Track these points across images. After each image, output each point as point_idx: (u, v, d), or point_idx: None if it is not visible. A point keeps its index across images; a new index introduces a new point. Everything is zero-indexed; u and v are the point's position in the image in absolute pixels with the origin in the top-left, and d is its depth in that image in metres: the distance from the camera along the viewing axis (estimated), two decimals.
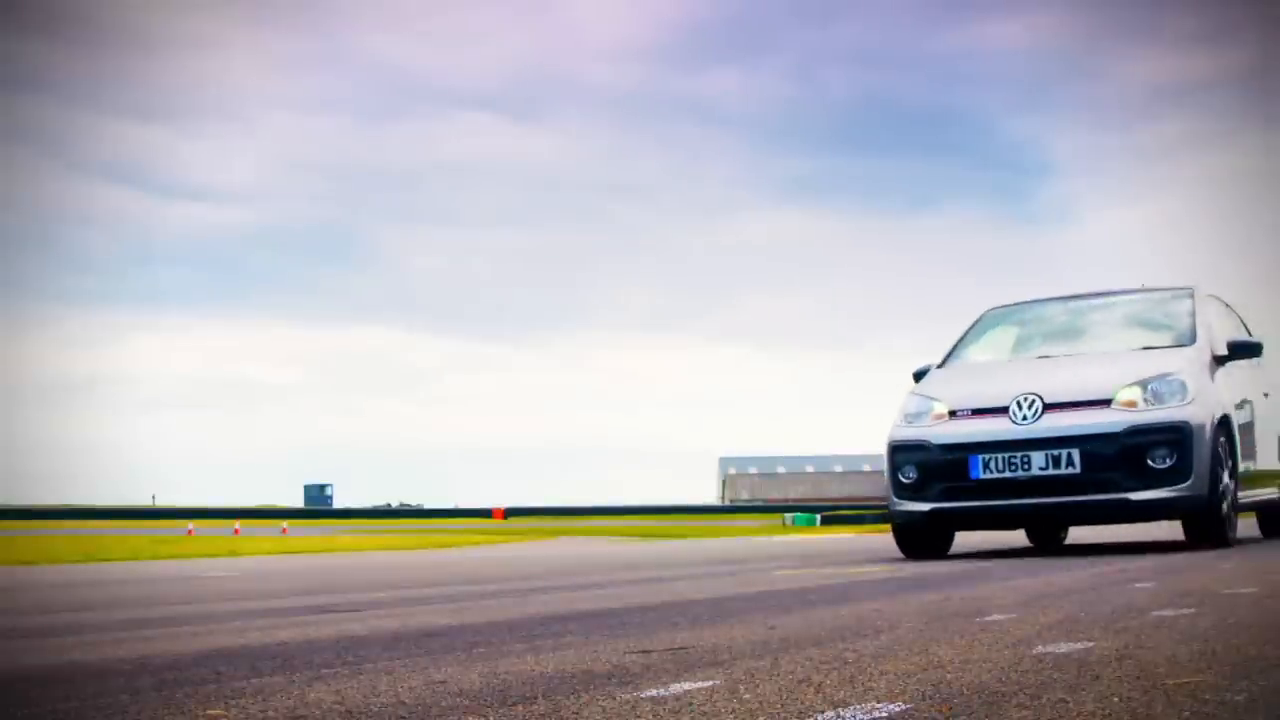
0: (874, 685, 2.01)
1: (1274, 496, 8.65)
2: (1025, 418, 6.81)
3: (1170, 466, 6.56)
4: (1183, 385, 6.78)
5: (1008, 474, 6.75)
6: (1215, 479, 6.71)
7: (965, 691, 1.92)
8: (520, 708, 1.91)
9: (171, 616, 4.26)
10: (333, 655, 2.74)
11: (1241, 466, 7.37)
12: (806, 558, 8.75)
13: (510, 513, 72.31)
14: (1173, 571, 5.02)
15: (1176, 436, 6.59)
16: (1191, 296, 7.95)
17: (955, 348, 8.32)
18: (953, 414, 7.11)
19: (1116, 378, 6.90)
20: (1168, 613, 3.10)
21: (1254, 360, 8.56)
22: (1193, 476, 6.57)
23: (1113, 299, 8.49)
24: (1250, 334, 8.92)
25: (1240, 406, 7.62)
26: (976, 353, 8.20)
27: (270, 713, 1.93)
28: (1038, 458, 6.69)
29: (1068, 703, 1.80)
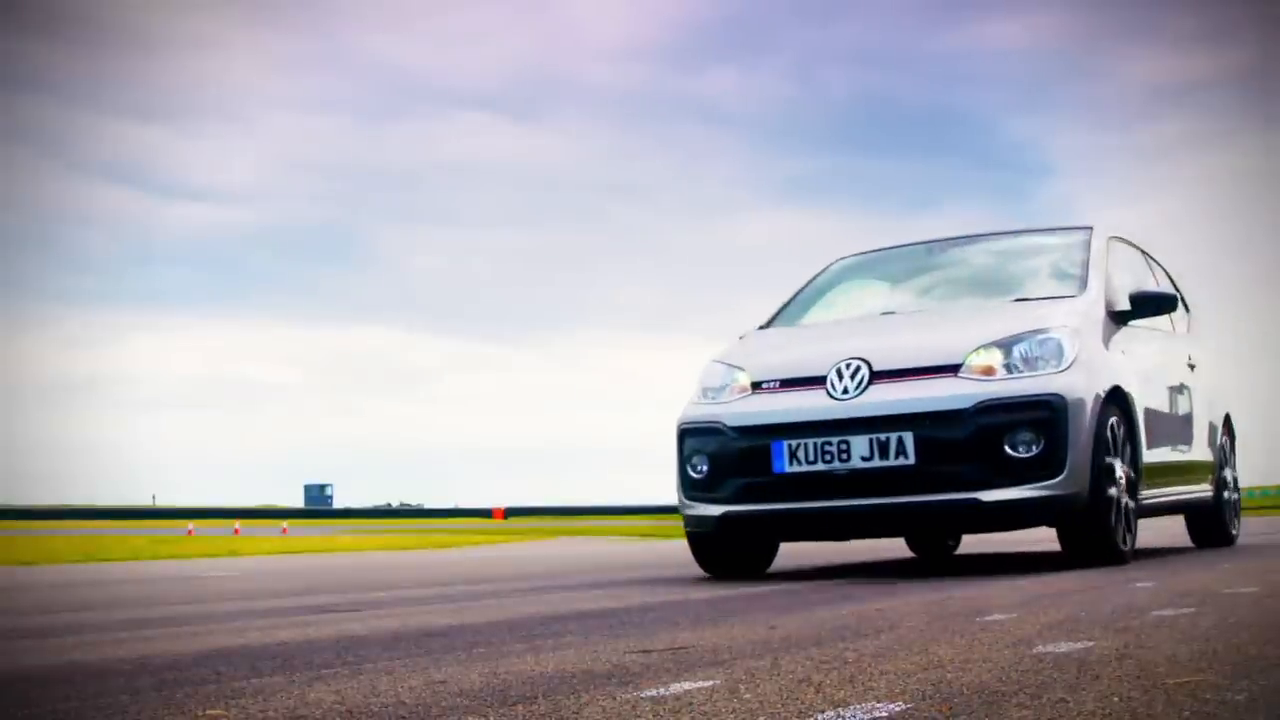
0: (874, 685, 2.01)
1: (1206, 495, 7.01)
2: (846, 390, 5.15)
3: (1036, 455, 4.92)
4: (1059, 347, 5.15)
5: (820, 466, 5.09)
6: (1100, 472, 5.09)
7: (965, 691, 1.92)
8: (520, 708, 1.91)
9: (171, 616, 4.26)
10: (333, 655, 2.74)
11: (1150, 456, 5.80)
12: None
13: (510, 513, 72.36)
14: (1173, 571, 5.02)
15: (1045, 415, 4.94)
16: (1089, 238, 6.24)
17: (786, 305, 6.61)
18: (757, 386, 5.46)
19: (971, 336, 5.23)
20: (1168, 612, 3.10)
21: (1179, 323, 7.16)
22: (1066, 469, 4.93)
23: (990, 242, 6.81)
24: (1179, 291, 7.28)
25: (1150, 378, 6.06)
26: (817, 312, 6.49)
27: (270, 713, 1.93)
28: (859, 444, 5.03)
29: (1068, 702, 1.80)
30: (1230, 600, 3.45)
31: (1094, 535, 5.18)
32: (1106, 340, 5.58)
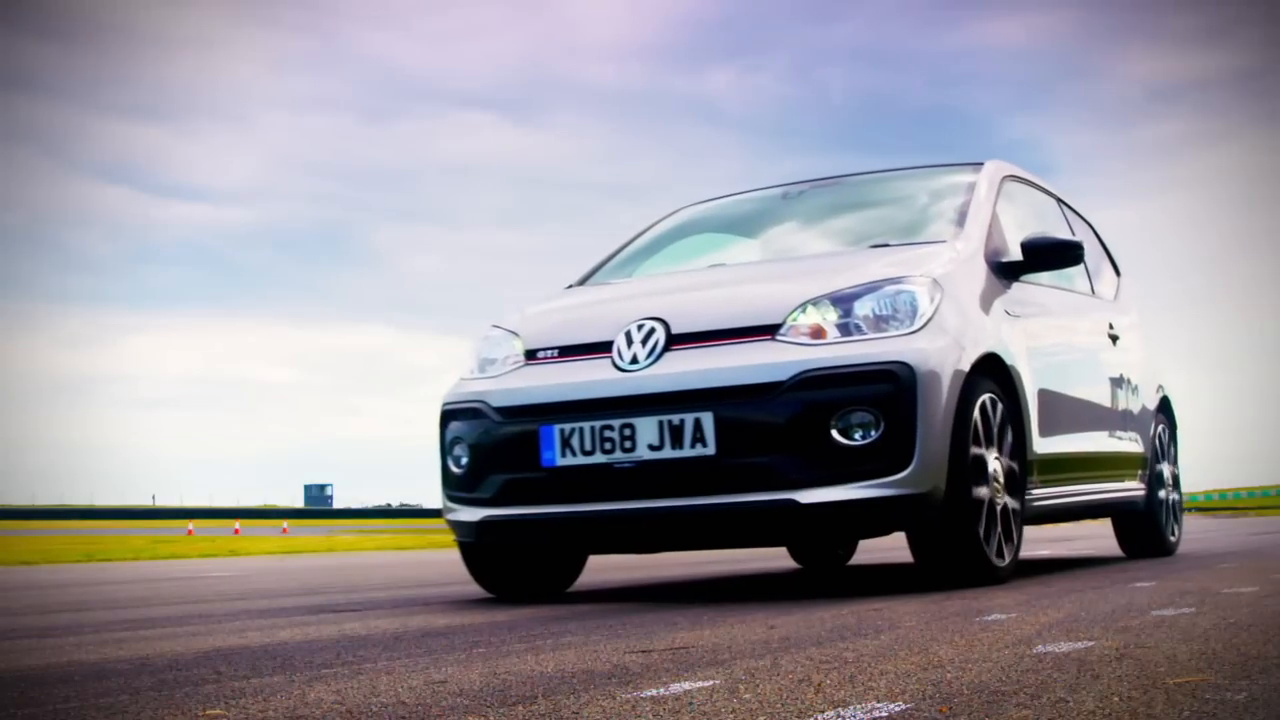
0: (874, 685, 2.01)
1: (1135, 494, 5.90)
2: (635, 360, 4.08)
3: (874, 443, 3.80)
4: (912, 302, 4.03)
5: (599, 457, 4.01)
6: (963, 465, 3.97)
7: (965, 691, 1.92)
8: (520, 708, 1.91)
9: (171, 616, 4.27)
10: (333, 655, 2.74)
11: (1046, 445, 4.69)
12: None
13: None
14: (1173, 571, 5.02)
15: (886, 390, 3.82)
16: (975, 176, 5.07)
17: (609, 260, 5.49)
18: (532, 356, 4.38)
19: (799, 289, 4.12)
20: (1168, 612, 3.10)
21: (1106, 289, 6.14)
22: (915, 461, 3.82)
23: (861, 184, 5.62)
24: (1108, 251, 6.42)
25: (1049, 347, 4.92)
26: (648, 270, 5.36)
27: (270, 713, 1.93)
28: (646, 428, 3.95)
29: (1068, 702, 1.80)
30: (1230, 600, 3.45)
31: (954, 545, 4.06)
32: (987, 297, 4.45)
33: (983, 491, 4.11)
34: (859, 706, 1.81)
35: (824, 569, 6.58)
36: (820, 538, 4.29)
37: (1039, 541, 11.09)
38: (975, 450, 4.07)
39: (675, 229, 5.75)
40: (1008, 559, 4.27)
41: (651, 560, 8.61)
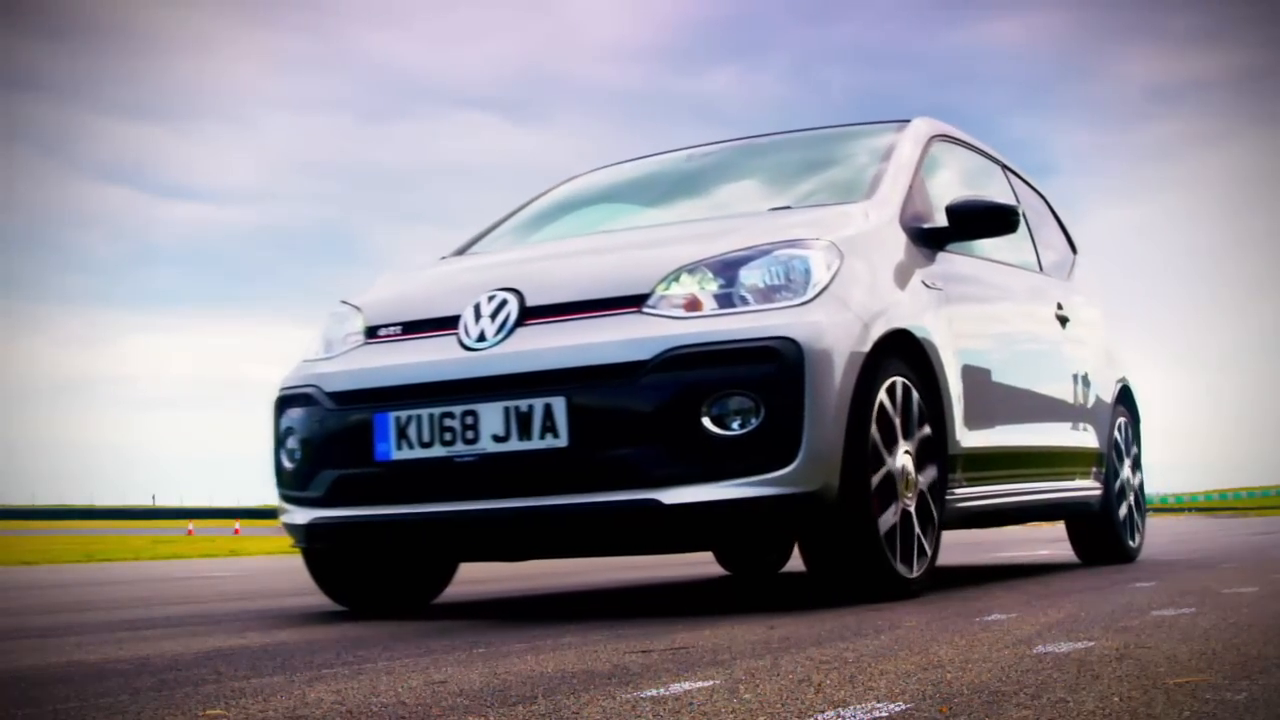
0: (874, 685, 2.01)
1: (1088, 494, 5.33)
2: (483, 337, 3.57)
3: (753, 433, 3.27)
4: (805, 269, 3.51)
5: (438, 450, 3.50)
6: (862, 459, 3.44)
7: (965, 691, 1.92)
8: (520, 708, 1.91)
9: (171, 616, 4.27)
10: (333, 655, 2.74)
11: (975, 438, 4.14)
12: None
13: None
14: (1173, 571, 5.02)
15: (768, 371, 3.28)
16: (900, 134, 4.55)
17: (489, 230, 5.02)
18: (373, 333, 3.89)
19: (674, 255, 3.61)
20: (1168, 612, 3.10)
21: (1058, 270, 5.59)
22: (801, 454, 3.28)
23: (779, 143, 5.07)
24: (1062, 224, 5.94)
25: (981, 327, 4.40)
26: (534, 242, 4.75)
27: (270, 713, 1.93)
28: (491, 416, 3.43)
29: (1068, 702, 1.80)
30: (1230, 600, 3.45)
31: (851, 552, 3.52)
32: (903, 268, 3.91)
33: (886, 490, 3.57)
34: (859, 706, 1.81)
35: (753, 577, 6.02)
36: (689, 544, 3.70)
37: (1038, 542, 11.11)
38: (879, 442, 3.52)
39: (569, 198, 5.21)
40: (919, 568, 3.72)
41: (651, 561, 8.62)
